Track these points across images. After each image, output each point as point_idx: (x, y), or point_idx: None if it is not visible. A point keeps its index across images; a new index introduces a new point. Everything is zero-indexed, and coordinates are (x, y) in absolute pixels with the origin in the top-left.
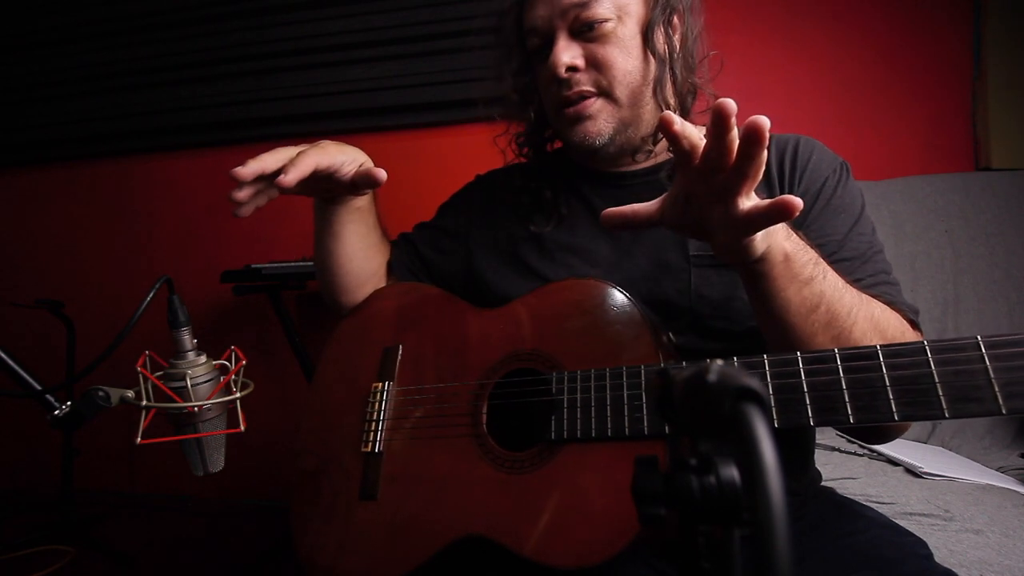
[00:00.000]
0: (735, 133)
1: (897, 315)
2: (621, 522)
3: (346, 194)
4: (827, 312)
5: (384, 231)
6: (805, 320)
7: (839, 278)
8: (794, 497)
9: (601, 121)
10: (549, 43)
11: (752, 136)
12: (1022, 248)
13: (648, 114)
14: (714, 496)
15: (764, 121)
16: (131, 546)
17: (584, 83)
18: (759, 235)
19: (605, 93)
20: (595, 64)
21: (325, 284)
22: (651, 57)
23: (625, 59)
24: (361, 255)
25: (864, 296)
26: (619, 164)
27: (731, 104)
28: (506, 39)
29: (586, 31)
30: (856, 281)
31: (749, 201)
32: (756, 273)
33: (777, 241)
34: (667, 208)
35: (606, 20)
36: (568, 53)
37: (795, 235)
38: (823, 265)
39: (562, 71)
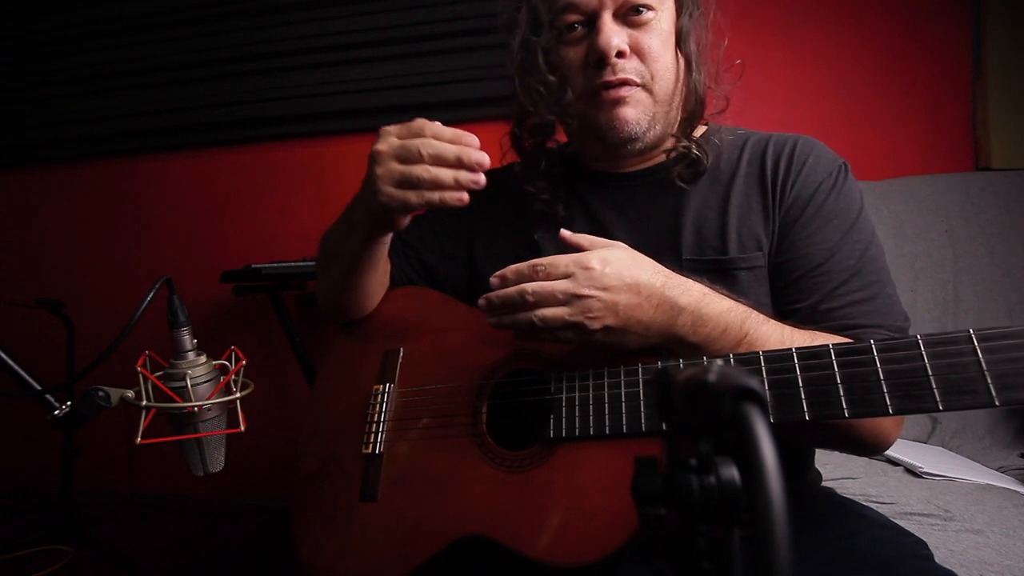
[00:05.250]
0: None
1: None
2: (619, 518)
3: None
4: None
5: None
6: None
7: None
8: (794, 497)
9: (640, 110)
10: (588, 23)
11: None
12: (1022, 248)
13: (674, 112)
14: (714, 496)
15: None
16: (131, 546)
17: (629, 71)
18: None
19: (646, 85)
20: (639, 52)
21: (343, 306)
22: (680, 57)
23: (665, 52)
24: (383, 279)
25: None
26: (622, 164)
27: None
28: (536, 16)
29: (632, 15)
30: (839, 297)
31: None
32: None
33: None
34: None
35: (651, 8)
36: (618, 36)
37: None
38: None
39: (613, 53)
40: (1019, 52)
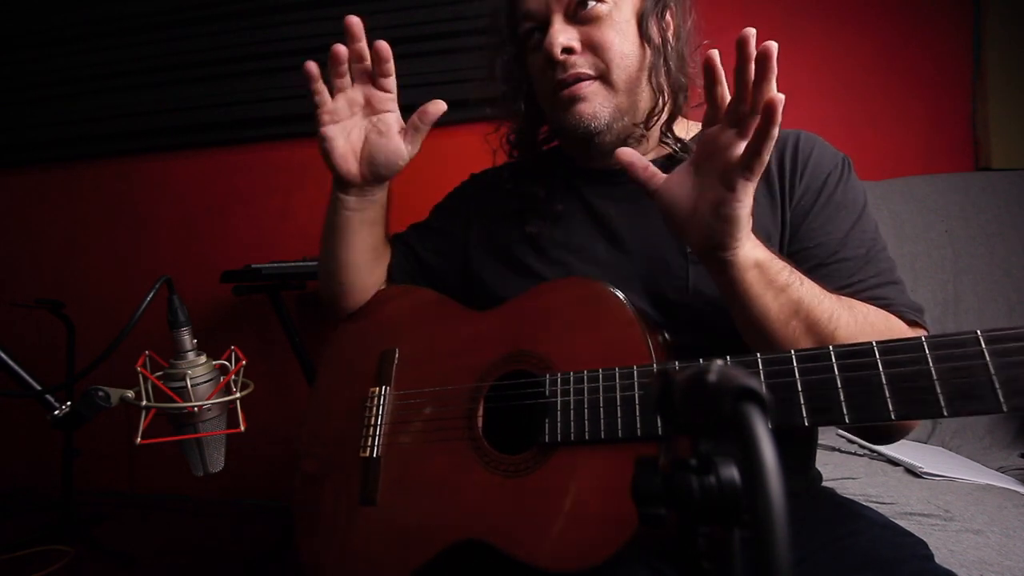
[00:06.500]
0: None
1: (885, 315)
2: (616, 523)
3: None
4: (807, 318)
5: (387, 236)
6: (785, 327)
7: (815, 285)
8: (794, 498)
9: (597, 104)
10: (544, 28)
11: (768, 108)
12: (1022, 248)
13: (643, 102)
14: (714, 496)
15: (780, 97)
16: (131, 546)
17: (581, 66)
18: (739, 236)
19: (602, 76)
20: (592, 47)
21: (329, 290)
22: (646, 44)
23: (622, 42)
24: (369, 263)
25: (847, 300)
26: (614, 160)
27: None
28: (498, 30)
29: (581, 11)
30: (858, 283)
31: (748, 195)
32: (731, 280)
33: (748, 249)
34: (672, 182)
35: (602, 1)
36: (564, 35)
37: (763, 246)
38: (797, 273)
39: (557, 51)
40: (1019, 52)
